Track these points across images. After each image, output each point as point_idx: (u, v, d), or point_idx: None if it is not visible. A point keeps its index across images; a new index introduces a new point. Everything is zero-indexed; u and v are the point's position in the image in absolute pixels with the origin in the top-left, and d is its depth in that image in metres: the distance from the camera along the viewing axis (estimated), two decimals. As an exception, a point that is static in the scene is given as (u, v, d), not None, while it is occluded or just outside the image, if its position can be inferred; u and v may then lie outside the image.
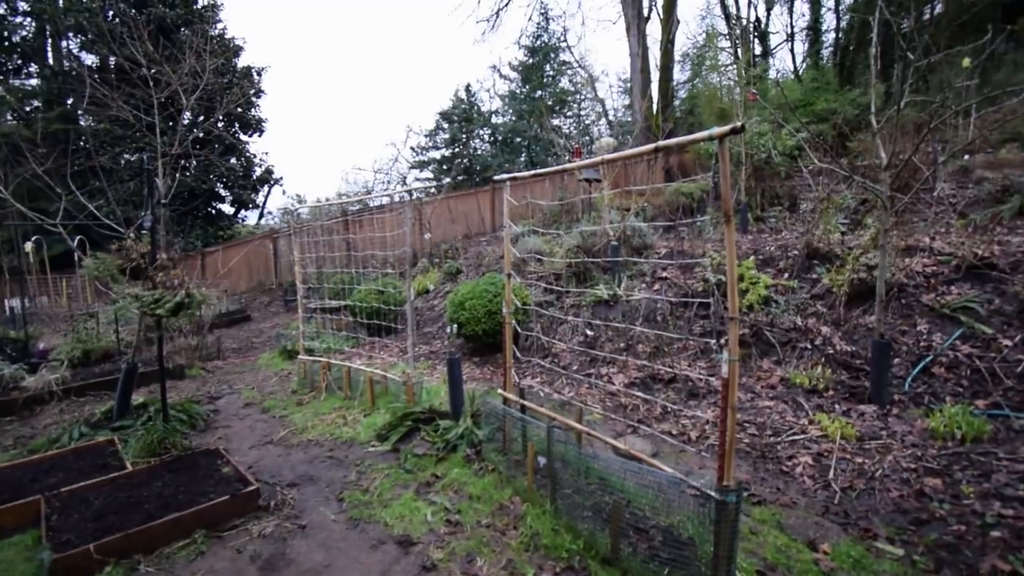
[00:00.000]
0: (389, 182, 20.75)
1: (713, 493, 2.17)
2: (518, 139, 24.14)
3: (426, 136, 24.70)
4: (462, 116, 24.24)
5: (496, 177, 3.68)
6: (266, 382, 6.76)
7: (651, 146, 2.32)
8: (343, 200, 14.04)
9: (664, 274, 6.88)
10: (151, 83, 7.93)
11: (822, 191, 6.89)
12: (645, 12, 19.04)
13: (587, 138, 23.66)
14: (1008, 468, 3.15)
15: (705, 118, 13.99)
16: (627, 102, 25.01)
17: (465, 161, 23.93)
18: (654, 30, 20.07)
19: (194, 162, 17.38)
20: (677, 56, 22.40)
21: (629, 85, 21.18)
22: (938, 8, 18.01)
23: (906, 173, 6.16)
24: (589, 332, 6.38)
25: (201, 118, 15.53)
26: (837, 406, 4.15)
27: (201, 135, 15.38)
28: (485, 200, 15.37)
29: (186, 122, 14.46)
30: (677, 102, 21.00)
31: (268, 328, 11.44)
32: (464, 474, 3.60)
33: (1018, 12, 16.27)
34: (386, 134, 45.66)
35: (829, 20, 20.42)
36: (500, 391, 3.89)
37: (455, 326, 5.00)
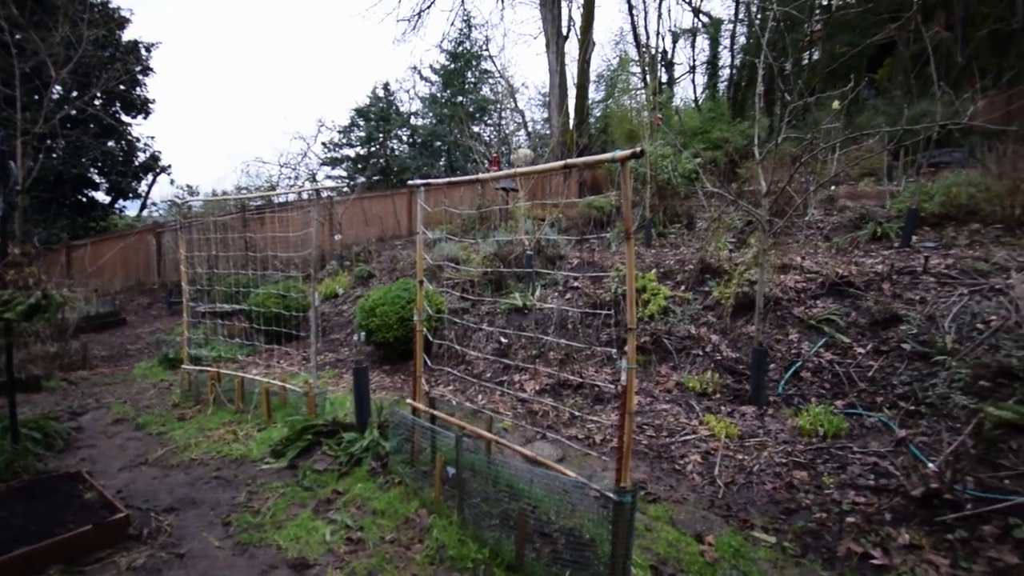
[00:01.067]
0: (296, 178, 19.62)
1: (611, 494, 2.27)
2: (438, 143, 23.95)
3: (340, 132, 23.69)
4: (379, 115, 23.57)
5: (410, 182, 3.62)
6: (142, 395, 6.05)
7: (560, 163, 2.40)
8: (243, 195, 13.04)
9: (575, 284, 7.14)
10: (13, 50, 6.87)
11: (714, 212, 7.54)
12: (564, 31, 19.81)
13: (506, 147, 24.07)
14: (861, 460, 3.61)
15: (616, 137, 14.80)
16: (546, 115, 25.81)
17: (381, 161, 23.28)
18: (572, 49, 20.94)
19: (63, 143, 15.25)
20: (593, 76, 23.54)
21: (548, 99, 21.90)
22: (815, 55, 20.60)
23: (782, 200, 6.93)
24: (503, 340, 6.44)
25: (74, 94, 13.67)
26: (723, 408, 4.55)
27: (73, 112, 13.51)
28: (402, 202, 15.04)
29: (55, 97, 12.65)
30: (592, 119, 22.03)
31: (147, 333, 10.28)
32: (368, 488, 3.46)
33: (879, 63, 19.02)
34: (295, 127, 43.17)
35: (725, 57, 22.56)
36: (409, 401, 3.80)
37: (363, 333, 4.82)
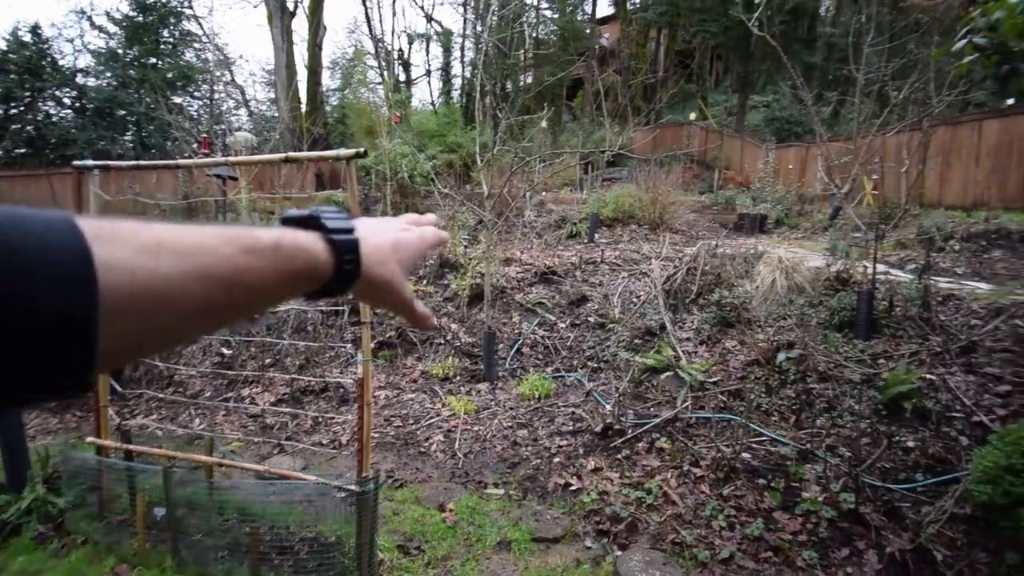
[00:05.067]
0: None
1: (353, 487, 2.29)
2: (122, 112, 19.00)
3: (-49, 82, 16.50)
4: (25, 66, 17.32)
5: (77, 163, 2.82)
6: None
7: (280, 156, 2.26)
8: None
9: (314, 282, 6.75)
10: None
11: (448, 211, 8.16)
12: (291, 7, 18.22)
13: (222, 127, 20.82)
14: (564, 412, 4.49)
15: (355, 130, 14.47)
16: (273, 96, 23.26)
17: (30, 128, 17.26)
18: (302, 27, 19.42)
19: None
20: (327, 62, 22.33)
21: (274, 79, 19.78)
22: (529, 79, 24.08)
23: (501, 203, 7.96)
24: (226, 351, 5.64)
25: None
26: (462, 388, 5.02)
27: None
28: (64, 186, 11.44)
29: None
30: (329, 108, 20.92)
31: None
32: (37, 560, 2.62)
33: (575, 94, 23.37)
34: None
35: (458, 67, 24.39)
36: (92, 439, 3.00)
37: None
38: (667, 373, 4.56)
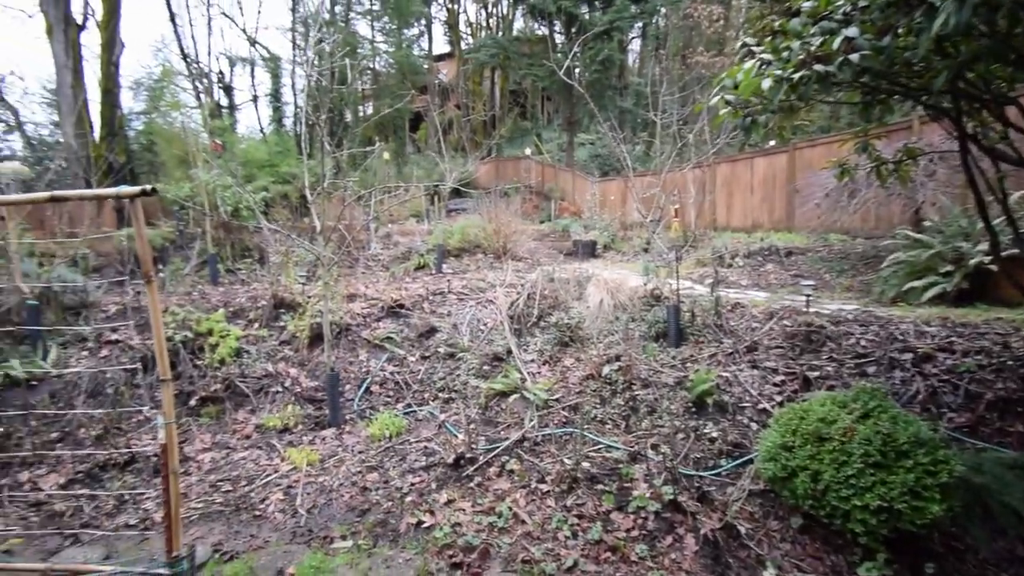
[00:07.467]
0: None
1: (162, 571, 1.98)
2: None
3: None
4: None
5: None
6: None
7: (45, 195, 1.92)
8: None
9: (115, 336, 5.73)
10: None
11: (282, 246, 7.63)
12: (80, 19, 15.54)
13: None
14: (416, 448, 4.40)
15: (166, 158, 12.80)
16: (56, 119, 19.41)
17: None
18: (95, 41, 16.66)
19: None
20: (129, 82, 19.52)
21: (57, 100, 16.54)
22: (369, 110, 23.73)
23: (340, 236, 7.70)
24: (-13, 430, 4.47)
25: None
26: (305, 438, 4.65)
27: None
28: None
29: None
30: (133, 133, 18.17)
31: None
32: None
33: (418, 125, 23.65)
34: None
35: (290, 94, 23.05)
36: None
37: None
38: (514, 395, 4.78)
